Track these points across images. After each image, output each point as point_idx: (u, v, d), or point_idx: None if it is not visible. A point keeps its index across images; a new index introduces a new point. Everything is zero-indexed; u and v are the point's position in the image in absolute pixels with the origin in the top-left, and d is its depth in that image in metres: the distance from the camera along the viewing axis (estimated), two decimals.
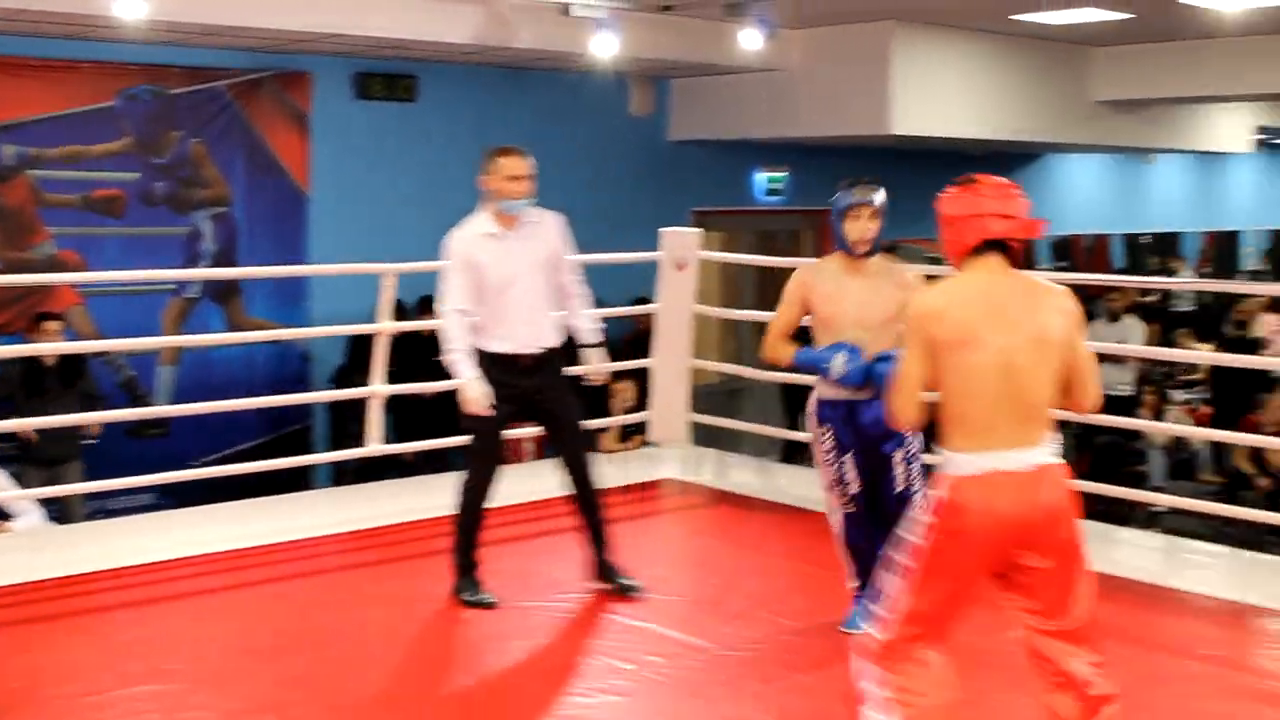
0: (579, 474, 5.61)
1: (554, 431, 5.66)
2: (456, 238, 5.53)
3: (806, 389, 5.35)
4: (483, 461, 5.58)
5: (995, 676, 4.78)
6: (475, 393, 5.34)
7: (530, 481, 7.67)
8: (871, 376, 4.78)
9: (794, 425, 9.93)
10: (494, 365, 5.42)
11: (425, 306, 9.74)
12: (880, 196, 4.93)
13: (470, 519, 5.58)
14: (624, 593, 5.58)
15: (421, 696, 4.63)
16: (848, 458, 4.99)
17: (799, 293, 5.05)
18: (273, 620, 5.37)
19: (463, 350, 5.36)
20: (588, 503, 5.65)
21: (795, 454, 10.97)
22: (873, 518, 4.98)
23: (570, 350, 5.70)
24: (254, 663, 4.89)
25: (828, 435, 5.03)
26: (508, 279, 5.41)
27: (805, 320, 5.13)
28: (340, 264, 8.70)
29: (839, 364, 4.81)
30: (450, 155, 10.41)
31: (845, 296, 4.92)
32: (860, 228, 4.88)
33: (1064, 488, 3.57)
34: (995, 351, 3.49)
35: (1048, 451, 3.56)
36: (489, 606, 5.45)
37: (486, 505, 5.60)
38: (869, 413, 4.91)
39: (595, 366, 5.84)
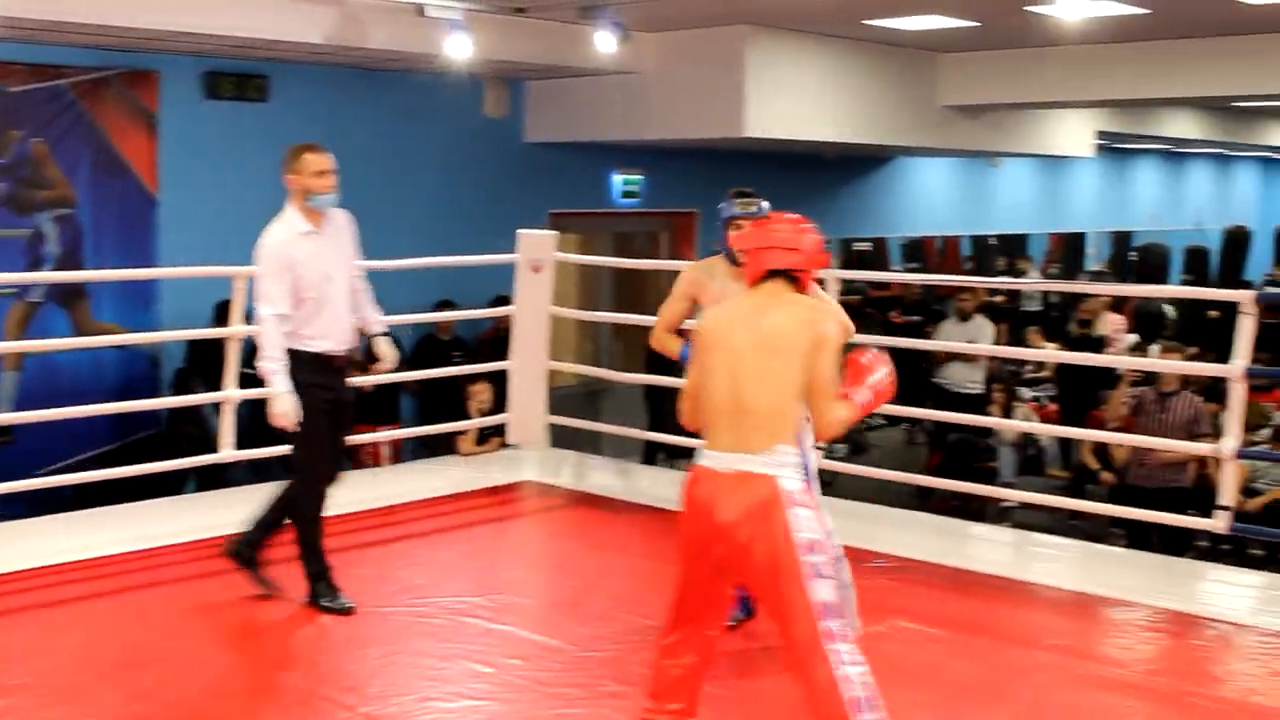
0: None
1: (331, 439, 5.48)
2: (271, 238, 5.40)
3: (672, 391, 5.42)
4: (313, 471, 5.43)
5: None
6: (287, 406, 5.21)
7: (387, 485, 7.61)
8: None
9: (657, 427, 9.96)
10: (313, 367, 5.31)
11: None
12: (763, 208, 5.15)
13: (312, 528, 5.46)
14: (340, 611, 5.37)
15: (278, 705, 4.55)
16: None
17: (689, 290, 5.24)
18: (124, 632, 5.24)
19: (281, 360, 5.23)
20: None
21: (655, 455, 11.04)
22: None
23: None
24: (104, 676, 4.76)
25: None
26: (325, 276, 5.36)
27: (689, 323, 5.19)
28: (190, 266, 8.52)
29: None
30: None
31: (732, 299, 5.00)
32: (738, 236, 5.03)
33: (763, 499, 3.59)
34: (727, 357, 3.75)
35: (764, 462, 3.63)
36: (348, 612, 5.38)
37: (324, 512, 5.47)
38: None
39: (383, 353, 5.73)
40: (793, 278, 3.91)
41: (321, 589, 5.46)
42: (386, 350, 5.74)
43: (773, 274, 3.90)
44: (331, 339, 5.37)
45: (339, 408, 5.43)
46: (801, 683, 3.60)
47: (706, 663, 3.84)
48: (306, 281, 5.30)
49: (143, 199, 9.63)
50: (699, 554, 3.73)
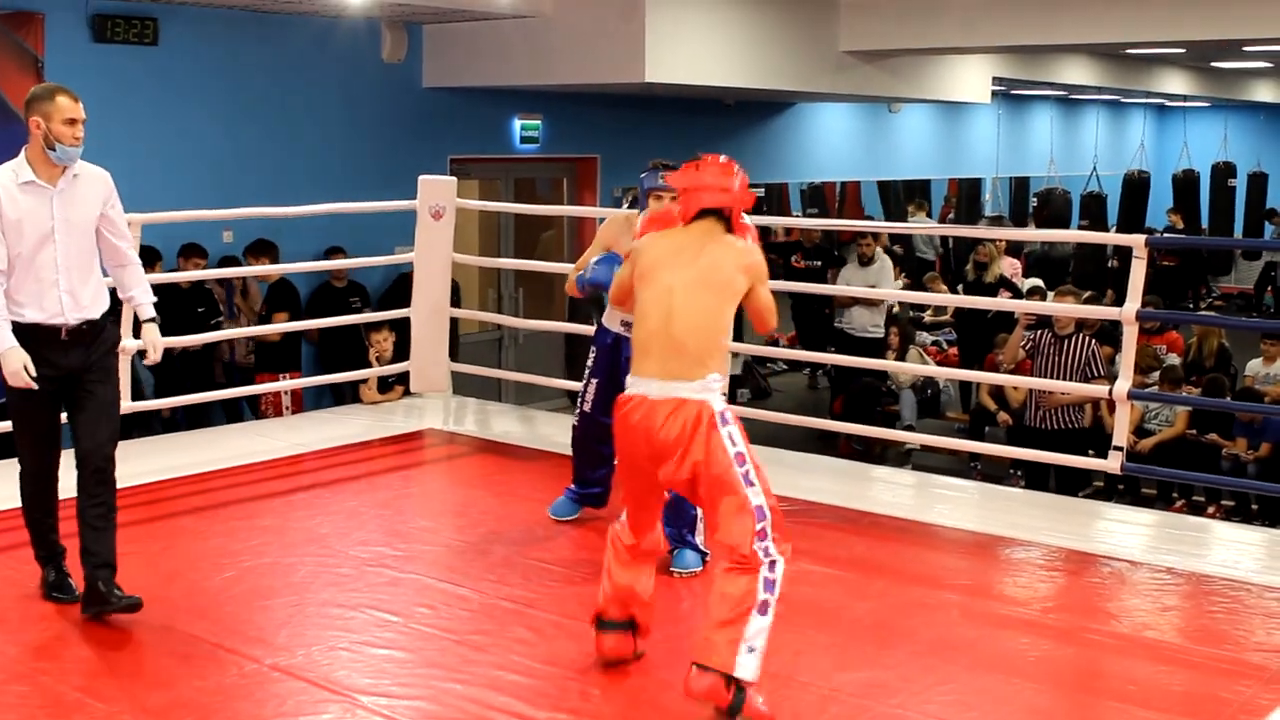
0: (98, 473, 4.78)
1: (82, 418, 4.82)
2: None
3: (584, 338, 5.60)
4: (32, 447, 4.88)
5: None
6: (14, 364, 4.63)
7: (289, 434, 7.54)
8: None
9: (572, 375, 9.96)
10: (23, 338, 4.69)
11: (187, 254, 9.43)
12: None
13: (35, 510, 4.95)
14: (125, 609, 4.75)
15: (183, 658, 4.49)
16: (595, 382, 5.70)
17: (609, 241, 5.58)
18: (18, 587, 5.13)
19: (2, 315, 4.65)
20: (96, 509, 4.79)
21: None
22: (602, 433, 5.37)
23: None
24: (1, 632, 4.69)
25: (593, 354, 5.75)
26: (43, 236, 4.76)
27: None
28: None
29: (590, 267, 5.43)
30: (194, 101, 10.06)
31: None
32: (656, 205, 5.27)
33: (695, 419, 4.03)
34: (661, 290, 4.14)
35: (695, 388, 4.06)
36: (72, 601, 4.86)
37: (50, 490, 4.95)
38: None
39: (150, 343, 5.09)
40: (723, 216, 4.27)
41: (46, 575, 5.01)
42: (152, 339, 5.08)
43: (704, 213, 4.25)
44: (44, 310, 4.71)
45: (65, 385, 4.80)
46: (726, 573, 3.99)
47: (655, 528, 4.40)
48: (12, 239, 4.69)
49: None
50: (639, 468, 4.20)
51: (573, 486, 6.04)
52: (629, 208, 5.93)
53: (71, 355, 4.77)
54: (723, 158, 4.36)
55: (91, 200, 4.99)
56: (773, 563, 3.98)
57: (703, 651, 3.92)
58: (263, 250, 9.73)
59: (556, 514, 6.00)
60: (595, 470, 5.92)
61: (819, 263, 13.35)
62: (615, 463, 4.53)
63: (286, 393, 9.38)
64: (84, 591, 4.78)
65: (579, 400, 5.87)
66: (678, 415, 4.04)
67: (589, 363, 5.80)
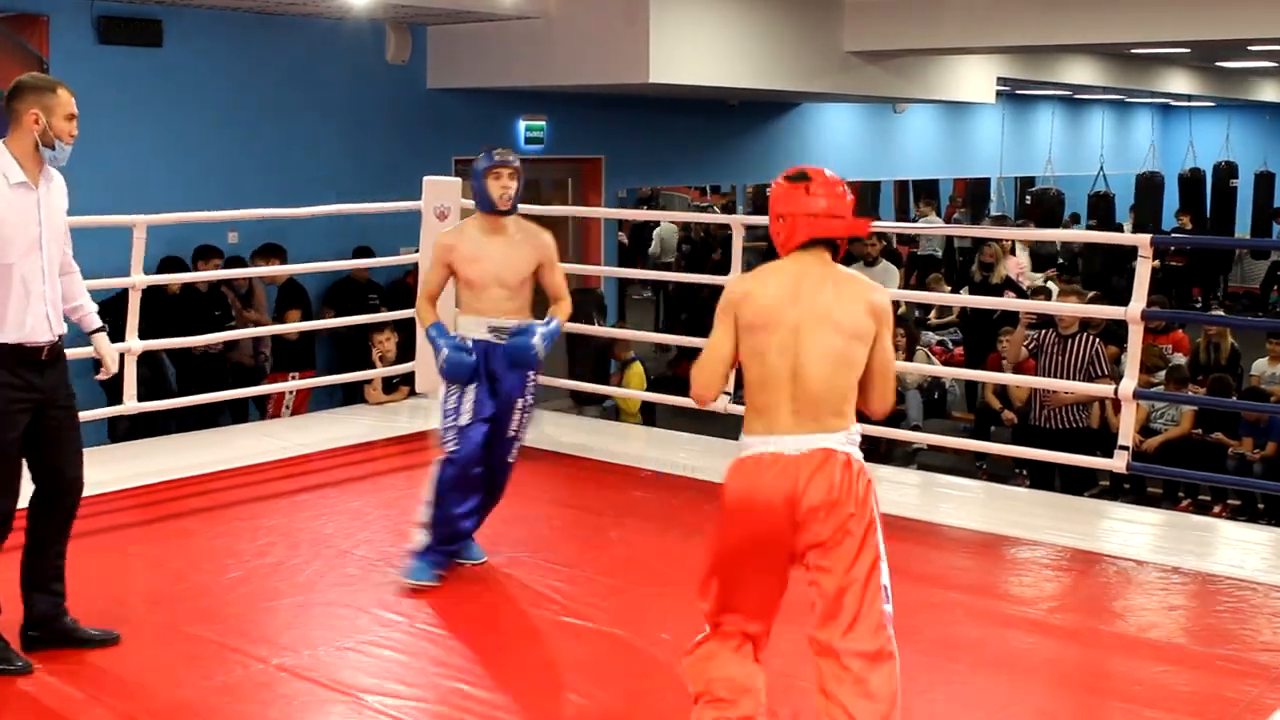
0: (73, 507, 4.56)
1: (62, 446, 4.49)
2: None
3: (585, 338, 5.49)
4: (6, 485, 4.35)
5: None
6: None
7: (295, 434, 7.55)
8: (513, 351, 5.21)
9: (574, 375, 9.97)
10: (7, 361, 4.28)
11: (204, 255, 9.43)
12: (517, 159, 5.31)
13: None
14: (93, 645, 4.51)
15: (190, 658, 4.50)
16: (469, 389, 5.26)
17: (445, 257, 5.28)
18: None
19: None
20: (61, 545, 4.53)
21: (586, 402, 11.09)
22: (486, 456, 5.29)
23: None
24: (9, 633, 4.65)
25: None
26: (31, 243, 4.33)
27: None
28: (85, 216, 8.33)
29: (442, 359, 5.17)
30: (199, 103, 10.07)
31: (486, 258, 5.22)
32: (501, 186, 5.21)
33: (850, 478, 3.46)
34: (787, 334, 3.47)
35: (842, 440, 3.48)
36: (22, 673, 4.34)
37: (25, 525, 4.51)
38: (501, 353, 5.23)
39: (104, 354, 4.79)
40: (835, 246, 3.61)
41: None
42: (106, 351, 4.77)
43: (813, 242, 3.57)
44: (28, 328, 4.30)
45: (45, 410, 4.39)
46: (860, 668, 3.38)
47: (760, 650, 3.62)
48: (3, 248, 4.26)
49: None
50: (767, 545, 3.47)
51: (433, 546, 5.26)
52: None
53: (48, 376, 4.39)
54: (828, 172, 3.64)
55: (62, 202, 4.57)
56: (893, 653, 3.43)
57: None
58: (271, 253, 9.72)
59: (416, 578, 5.20)
60: (465, 505, 5.29)
61: None
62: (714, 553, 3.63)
63: (290, 393, 9.37)
64: (44, 628, 4.48)
65: (442, 434, 5.28)
66: (826, 470, 3.44)
67: (446, 385, 5.29)
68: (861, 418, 3.57)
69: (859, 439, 3.55)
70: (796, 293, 3.51)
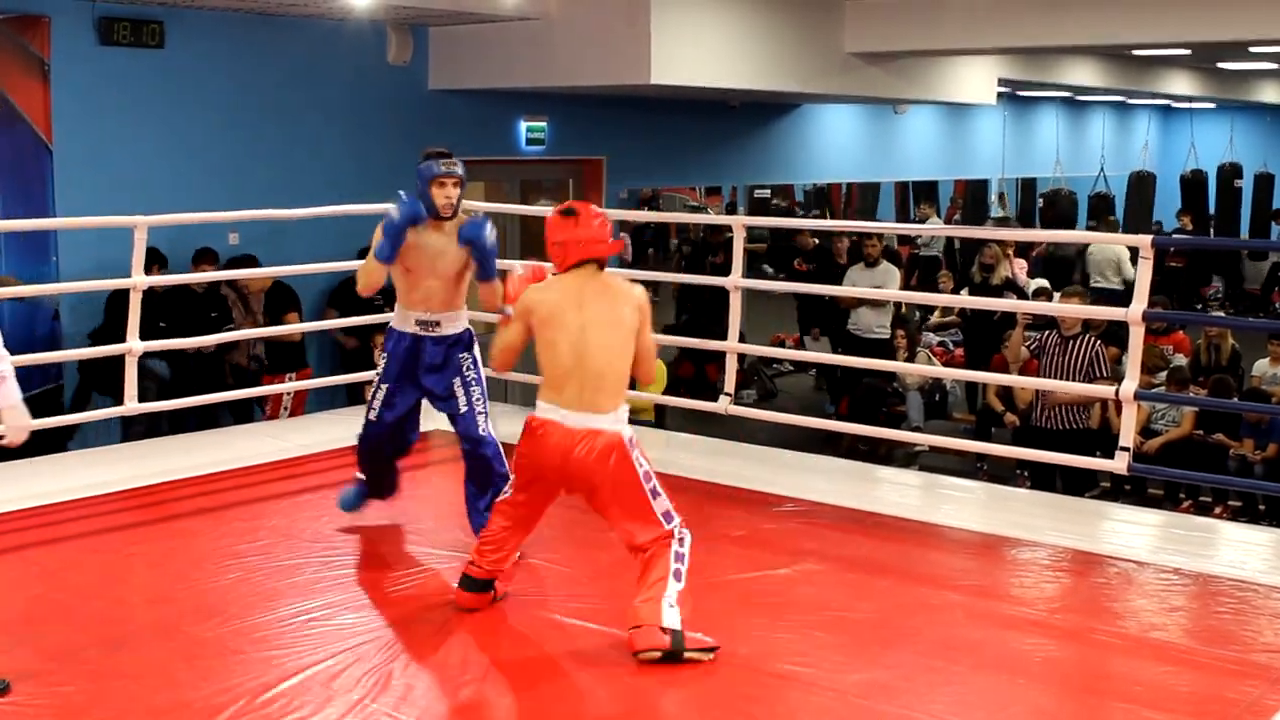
0: None
1: None
2: None
3: None
4: None
5: (760, 614, 4.90)
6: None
7: (294, 435, 7.55)
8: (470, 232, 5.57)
9: None
10: None
11: (199, 259, 9.44)
12: (462, 168, 5.68)
13: None
14: None
15: (191, 659, 4.50)
16: (385, 388, 5.65)
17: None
18: (27, 589, 5.15)
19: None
20: None
21: None
22: (395, 440, 5.76)
23: None
24: (9, 634, 4.68)
25: (383, 359, 5.70)
26: None
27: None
28: (88, 217, 8.34)
29: (398, 210, 5.46)
30: (200, 104, 10.07)
31: (425, 250, 5.52)
32: (445, 195, 5.52)
33: (606, 450, 4.57)
34: (574, 331, 4.63)
35: (611, 420, 4.61)
36: None
37: None
38: (429, 351, 5.60)
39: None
40: (600, 263, 4.79)
41: None
42: (16, 419, 4.53)
43: (585, 260, 4.76)
44: None
45: None
46: (649, 559, 4.58)
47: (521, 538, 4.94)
48: None
49: (37, 148, 9.41)
50: (543, 480, 4.71)
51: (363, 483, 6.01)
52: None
53: None
54: (594, 207, 4.88)
55: None
56: (682, 538, 4.63)
57: (633, 618, 4.49)
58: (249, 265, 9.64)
59: (345, 506, 5.97)
60: (384, 476, 5.93)
61: (813, 266, 13.36)
62: (516, 463, 4.78)
63: (288, 394, 9.37)
64: None
65: (366, 408, 5.78)
66: (592, 443, 4.58)
67: (379, 369, 5.75)
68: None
69: (625, 417, 4.68)
70: (576, 299, 4.69)
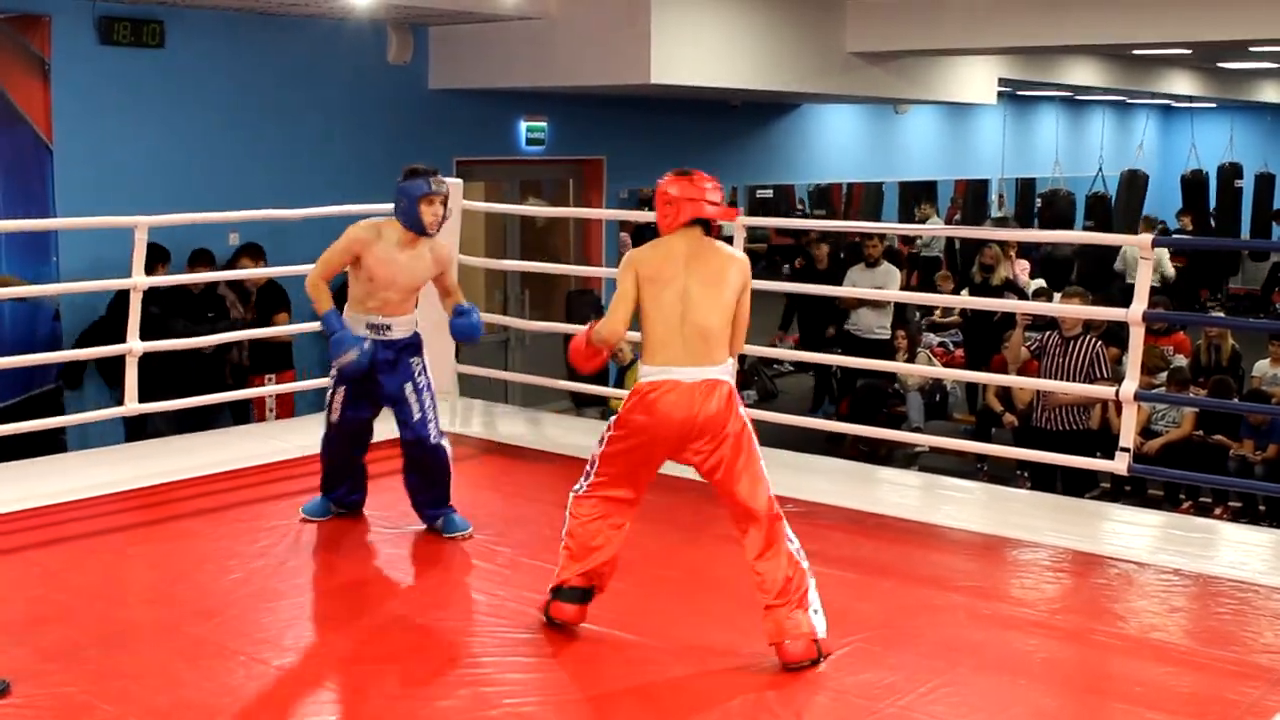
0: None
1: None
2: None
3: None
4: None
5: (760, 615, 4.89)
6: None
7: (294, 437, 7.55)
8: (463, 329, 5.77)
9: (572, 376, 9.95)
10: None
11: (194, 260, 9.44)
12: (448, 186, 5.66)
13: None
14: None
15: (190, 659, 4.50)
16: (344, 389, 5.70)
17: (354, 247, 5.56)
18: (27, 589, 5.15)
19: None
20: None
21: (586, 403, 11.10)
22: (359, 439, 5.86)
23: None
24: (10, 634, 4.68)
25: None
26: None
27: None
28: (88, 216, 8.34)
29: (347, 359, 5.49)
30: (201, 104, 10.07)
31: (395, 264, 5.54)
32: (434, 212, 5.50)
33: (730, 398, 4.53)
34: (676, 290, 4.51)
35: (721, 371, 4.54)
36: None
37: None
38: (380, 353, 5.62)
39: None
40: (708, 226, 4.65)
41: None
42: None
43: (694, 222, 4.61)
44: None
45: None
46: (766, 534, 4.53)
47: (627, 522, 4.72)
48: None
49: (37, 148, 9.41)
50: (656, 447, 4.56)
51: (325, 496, 6.01)
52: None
53: None
54: (708, 176, 4.72)
55: None
56: (784, 522, 4.60)
57: (783, 631, 4.44)
58: (256, 254, 9.67)
59: (309, 512, 5.97)
60: (346, 479, 5.98)
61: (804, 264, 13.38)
62: (614, 443, 4.63)
63: (271, 396, 9.37)
64: None
65: (326, 410, 5.81)
66: (714, 394, 4.49)
67: (333, 374, 5.74)
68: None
69: (732, 369, 4.68)
70: (683, 258, 4.57)
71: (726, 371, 4.58)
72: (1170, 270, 16.39)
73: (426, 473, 5.75)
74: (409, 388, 5.69)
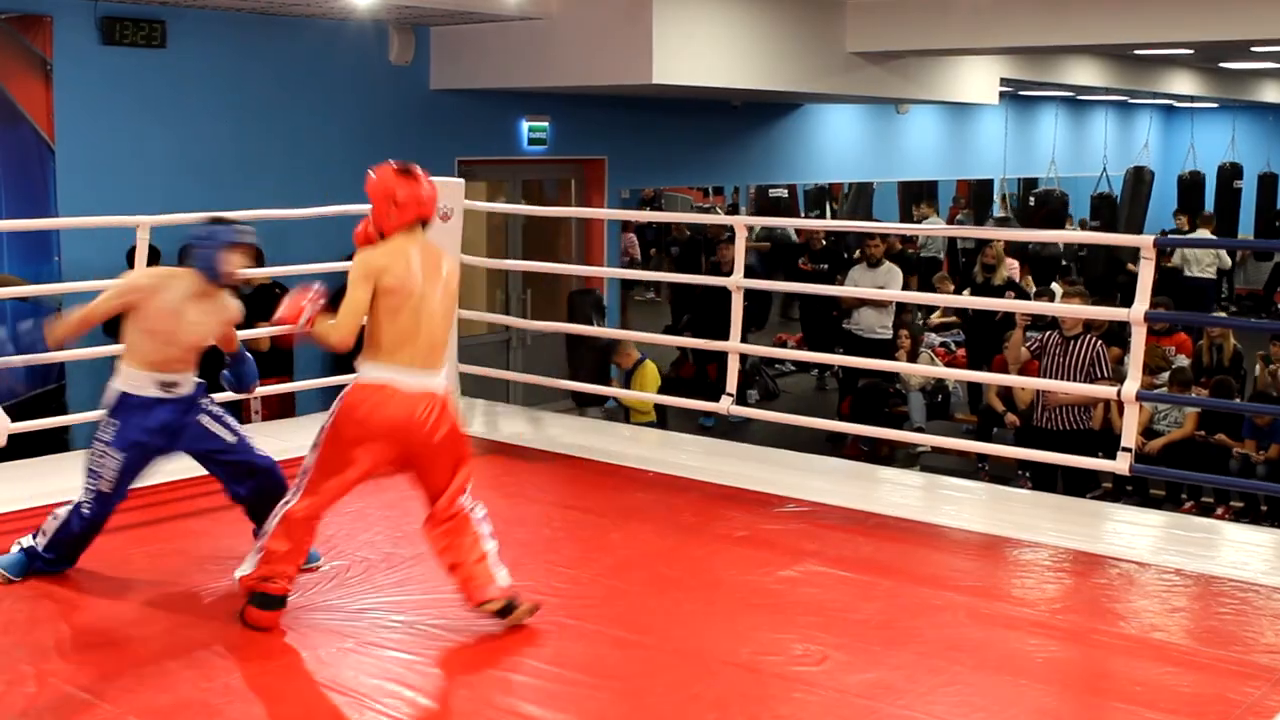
0: None
1: None
2: None
3: (584, 339, 5.48)
4: None
5: (762, 615, 4.90)
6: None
7: (296, 436, 7.53)
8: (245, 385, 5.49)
9: (574, 376, 9.97)
10: None
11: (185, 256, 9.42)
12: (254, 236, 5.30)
13: None
14: None
15: (186, 659, 4.50)
16: (123, 458, 5.00)
17: (132, 299, 5.04)
18: (27, 589, 5.14)
19: None
20: None
21: (587, 403, 11.09)
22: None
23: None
24: (10, 634, 4.67)
25: (115, 426, 5.02)
26: None
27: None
28: (90, 216, 8.35)
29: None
30: (202, 104, 10.08)
31: (181, 319, 5.02)
32: (239, 261, 5.18)
33: (446, 405, 4.68)
34: (417, 296, 4.61)
35: (442, 380, 4.68)
36: None
37: None
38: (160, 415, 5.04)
39: None
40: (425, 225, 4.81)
41: None
42: None
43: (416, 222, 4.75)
44: None
45: None
46: (460, 525, 4.76)
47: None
48: None
49: (39, 148, 9.42)
50: (382, 444, 4.63)
51: (40, 551, 5.15)
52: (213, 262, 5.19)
53: None
54: (418, 168, 4.87)
55: None
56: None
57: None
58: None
59: (6, 569, 5.13)
60: (77, 551, 5.20)
61: (825, 265, 13.35)
62: (326, 448, 4.69)
63: (256, 398, 9.35)
64: None
65: (88, 488, 5.03)
66: (434, 402, 4.63)
67: (107, 438, 5.01)
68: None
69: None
70: (419, 265, 4.67)
71: (443, 380, 4.74)
72: (1228, 261, 17.53)
73: (271, 500, 5.07)
74: (206, 420, 5.21)
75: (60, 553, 5.16)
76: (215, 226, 5.24)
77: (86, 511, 5.06)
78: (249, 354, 5.48)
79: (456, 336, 8.24)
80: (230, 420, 5.28)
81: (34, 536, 5.17)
